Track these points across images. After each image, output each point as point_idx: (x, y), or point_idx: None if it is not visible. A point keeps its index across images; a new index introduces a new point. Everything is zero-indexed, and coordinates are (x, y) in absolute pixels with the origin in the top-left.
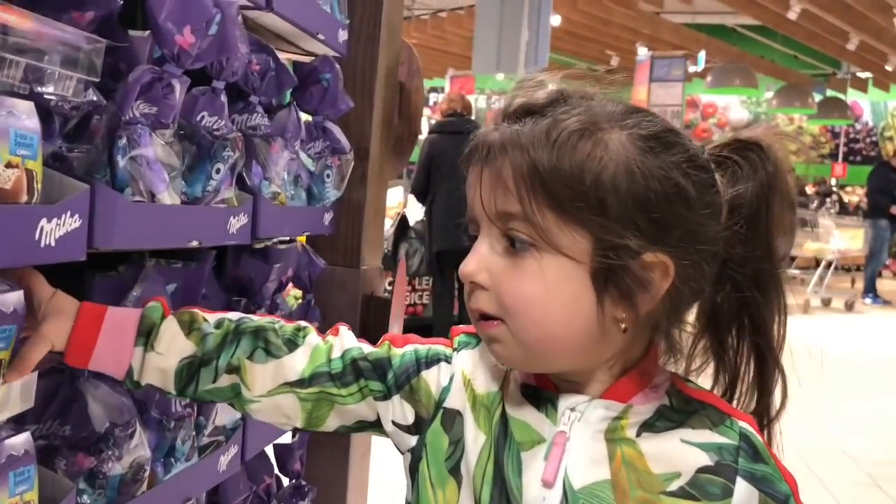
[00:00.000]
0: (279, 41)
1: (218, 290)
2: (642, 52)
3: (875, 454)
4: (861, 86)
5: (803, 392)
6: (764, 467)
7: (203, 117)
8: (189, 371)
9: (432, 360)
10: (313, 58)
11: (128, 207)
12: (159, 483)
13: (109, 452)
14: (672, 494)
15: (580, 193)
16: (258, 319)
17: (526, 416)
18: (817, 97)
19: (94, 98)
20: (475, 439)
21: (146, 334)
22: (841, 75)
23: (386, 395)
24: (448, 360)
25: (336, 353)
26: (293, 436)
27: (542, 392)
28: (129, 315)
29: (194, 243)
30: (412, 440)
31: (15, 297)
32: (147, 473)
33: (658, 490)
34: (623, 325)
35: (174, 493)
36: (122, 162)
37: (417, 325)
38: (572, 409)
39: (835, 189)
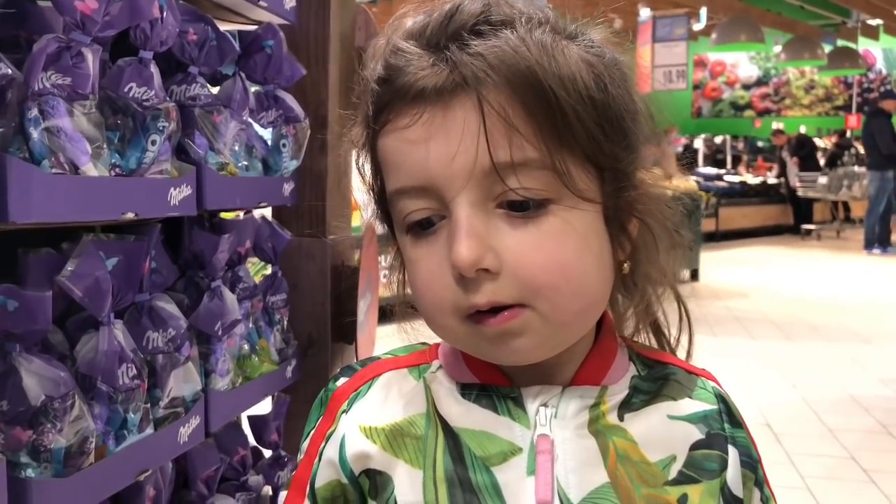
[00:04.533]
0: (222, 10)
1: (169, 264)
2: (644, 12)
3: (887, 402)
4: (872, 33)
5: (813, 340)
6: (742, 432)
7: (131, 88)
8: None
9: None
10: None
11: (44, 179)
12: (110, 455)
13: (49, 425)
14: (675, 482)
15: (592, 119)
16: None
17: (483, 423)
18: (828, 48)
19: (9, 71)
20: (409, 481)
21: None
22: (851, 24)
23: None
24: (329, 437)
25: None
26: (273, 405)
27: (494, 389)
28: None
29: (129, 216)
30: None
31: None
32: (93, 445)
33: (661, 482)
34: (625, 265)
35: (127, 464)
36: (35, 133)
37: None
38: (545, 405)
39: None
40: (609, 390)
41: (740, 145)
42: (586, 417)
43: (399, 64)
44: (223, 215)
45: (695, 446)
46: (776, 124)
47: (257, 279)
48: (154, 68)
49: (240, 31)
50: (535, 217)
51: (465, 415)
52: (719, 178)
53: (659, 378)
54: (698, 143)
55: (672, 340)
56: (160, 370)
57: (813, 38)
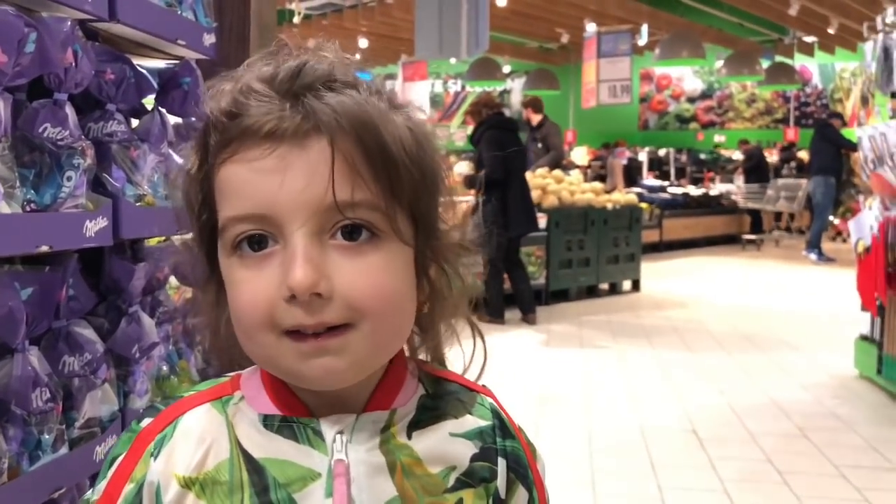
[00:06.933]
0: (143, 48)
1: (87, 291)
2: (590, 27)
3: (806, 406)
4: (808, 50)
5: (746, 350)
6: (512, 442)
7: (46, 129)
8: None
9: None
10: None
11: None
12: (24, 474)
13: None
14: (453, 489)
15: (415, 175)
16: None
17: (285, 452)
18: (766, 63)
19: None
20: None
21: None
22: (788, 41)
23: None
24: (140, 483)
25: None
26: None
27: (295, 421)
28: None
29: (44, 248)
30: None
31: None
32: (6, 465)
33: (441, 490)
34: (425, 306)
35: (41, 483)
36: None
37: None
38: (340, 433)
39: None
40: (398, 413)
41: (683, 157)
42: (377, 440)
43: (250, 102)
44: (148, 241)
45: (472, 458)
46: (718, 137)
47: (175, 296)
48: (69, 109)
49: (159, 68)
50: (363, 249)
51: (268, 445)
52: (662, 189)
53: (444, 395)
54: (643, 156)
55: (462, 369)
56: (76, 392)
57: (752, 54)
